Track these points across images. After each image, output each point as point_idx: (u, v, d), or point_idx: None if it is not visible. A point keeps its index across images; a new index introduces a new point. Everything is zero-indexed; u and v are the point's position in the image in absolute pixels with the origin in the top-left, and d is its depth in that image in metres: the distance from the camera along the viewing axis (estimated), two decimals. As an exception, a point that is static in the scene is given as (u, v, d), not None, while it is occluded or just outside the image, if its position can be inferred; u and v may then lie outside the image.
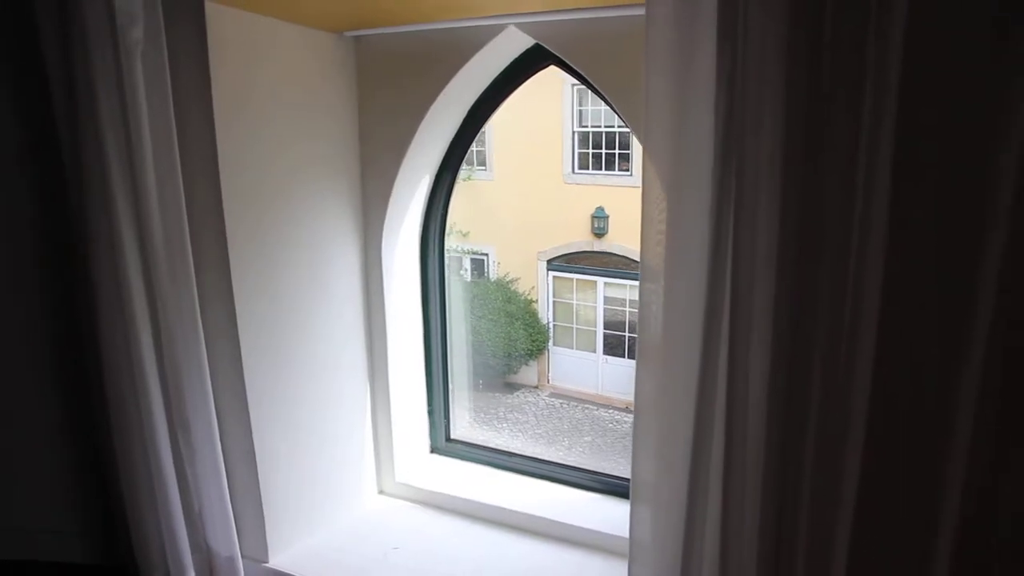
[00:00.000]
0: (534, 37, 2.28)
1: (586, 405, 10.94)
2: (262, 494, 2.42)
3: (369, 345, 2.79)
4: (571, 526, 2.61)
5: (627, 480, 2.76)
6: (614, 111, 2.30)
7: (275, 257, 2.37)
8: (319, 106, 2.46)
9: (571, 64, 2.25)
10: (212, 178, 2.15)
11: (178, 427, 2.24)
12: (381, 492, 2.96)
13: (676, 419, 1.41)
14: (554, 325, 11.55)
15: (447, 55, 2.40)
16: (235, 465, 2.38)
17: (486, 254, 11.65)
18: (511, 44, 2.42)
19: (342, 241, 2.61)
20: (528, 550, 2.57)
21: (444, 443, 3.07)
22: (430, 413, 3.05)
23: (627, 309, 11.04)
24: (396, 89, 2.52)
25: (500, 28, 2.30)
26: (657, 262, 1.39)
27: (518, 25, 2.26)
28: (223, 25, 2.07)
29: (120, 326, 2.10)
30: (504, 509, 2.72)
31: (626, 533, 2.48)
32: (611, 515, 2.64)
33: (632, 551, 1.61)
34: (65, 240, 2.21)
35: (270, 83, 2.27)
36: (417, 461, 3.01)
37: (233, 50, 2.12)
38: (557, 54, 2.25)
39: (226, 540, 2.34)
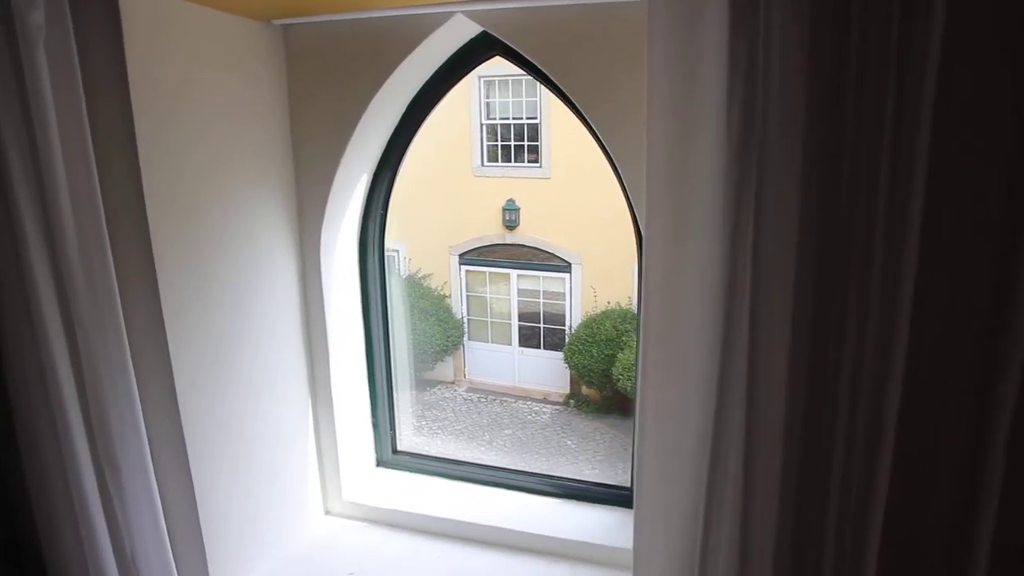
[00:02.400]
0: (484, 26, 2.16)
1: (504, 398, 10.92)
2: (202, 527, 2.20)
3: (309, 356, 2.60)
4: (533, 535, 2.52)
5: (583, 483, 2.74)
6: (570, 102, 2.22)
7: (206, 266, 2.15)
8: (245, 99, 2.24)
9: (525, 55, 2.15)
10: (133, 183, 1.92)
11: (104, 463, 1.98)
12: (328, 513, 2.77)
13: (687, 424, 1.35)
14: (468, 319, 11.45)
15: (389, 45, 2.24)
16: (170, 499, 2.14)
17: (397, 251, 11.39)
18: (456, 33, 2.28)
19: (277, 246, 2.41)
20: (493, 563, 2.46)
21: (391, 455, 2.91)
22: (375, 425, 2.88)
23: (541, 301, 11.09)
24: (332, 82, 2.33)
25: (447, 16, 2.16)
26: (662, 264, 1.31)
27: (466, 13, 2.14)
28: (136, 10, 1.84)
29: (33, 354, 1.83)
30: (462, 522, 2.60)
31: (590, 538, 2.46)
32: (573, 520, 2.58)
33: (637, 569, 1.53)
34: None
35: (189, 74, 2.04)
36: (363, 477, 2.84)
37: (148, 38, 1.90)
38: (511, 45, 2.14)
39: (164, 584, 2.10)
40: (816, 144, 1.13)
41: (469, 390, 11.17)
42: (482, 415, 10.56)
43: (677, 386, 1.35)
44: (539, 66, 2.15)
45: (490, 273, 11.23)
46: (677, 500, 1.41)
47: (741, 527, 1.32)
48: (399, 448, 2.94)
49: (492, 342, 11.34)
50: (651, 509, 1.46)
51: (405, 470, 2.90)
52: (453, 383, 11.27)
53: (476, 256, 11.20)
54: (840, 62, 1.10)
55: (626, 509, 2.60)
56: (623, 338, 9.68)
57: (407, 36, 2.22)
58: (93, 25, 1.83)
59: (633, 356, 9.15)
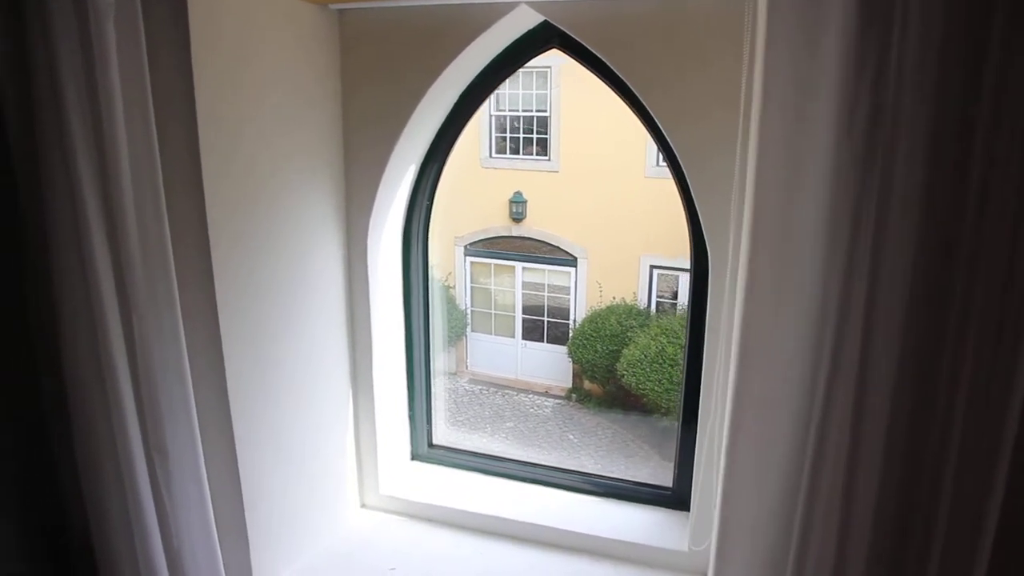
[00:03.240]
0: (548, 16, 2.12)
1: (506, 390, 10.90)
2: (247, 521, 2.17)
3: (352, 346, 2.56)
4: (574, 533, 2.50)
5: (623, 481, 2.72)
6: (628, 97, 2.19)
7: (257, 254, 2.11)
8: (299, 84, 2.19)
9: (588, 46, 2.10)
10: (192, 165, 1.88)
11: (153, 451, 1.95)
12: (363, 506, 2.74)
13: (786, 436, 1.32)
14: (472, 311, 11.41)
15: (449, 35, 2.20)
16: (216, 488, 2.10)
17: (402, 240, 11.32)
18: (516, 24, 2.24)
19: (324, 235, 2.37)
20: (535, 561, 2.44)
21: (426, 449, 2.88)
22: (411, 418, 2.85)
23: (546, 294, 11.06)
24: (388, 70, 2.29)
25: (510, 6, 2.12)
26: (770, 266, 1.29)
27: (530, 3, 2.09)
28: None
29: (89, 336, 1.78)
30: (501, 518, 2.57)
31: (633, 538, 2.45)
32: (614, 519, 2.56)
33: (718, 571, 1.50)
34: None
35: (247, 57, 1.99)
36: (398, 470, 2.81)
37: (210, 19, 1.85)
38: (574, 36, 2.10)
39: (211, 577, 2.07)
40: (945, 155, 1.10)
41: (471, 381, 11.13)
42: (484, 407, 10.54)
43: (778, 397, 1.32)
44: (602, 58, 2.11)
45: (495, 265, 11.19)
46: (769, 509, 1.39)
47: (837, 541, 1.29)
48: (435, 442, 2.92)
49: (495, 334, 11.30)
50: (739, 517, 1.44)
51: (440, 464, 2.87)
52: (455, 374, 11.24)
53: (481, 248, 11.15)
54: (977, 70, 1.07)
55: (667, 509, 2.59)
56: (628, 334, 9.66)
57: (468, 26, 2.17)
58: (160, 5, 1.79)
59: (638, 352, 9.13)
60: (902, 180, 1.13)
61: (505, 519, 2.58)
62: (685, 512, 2.54)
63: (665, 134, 2.10)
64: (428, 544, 2.54)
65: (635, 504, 2.64)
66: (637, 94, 2.11)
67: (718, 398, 2.14)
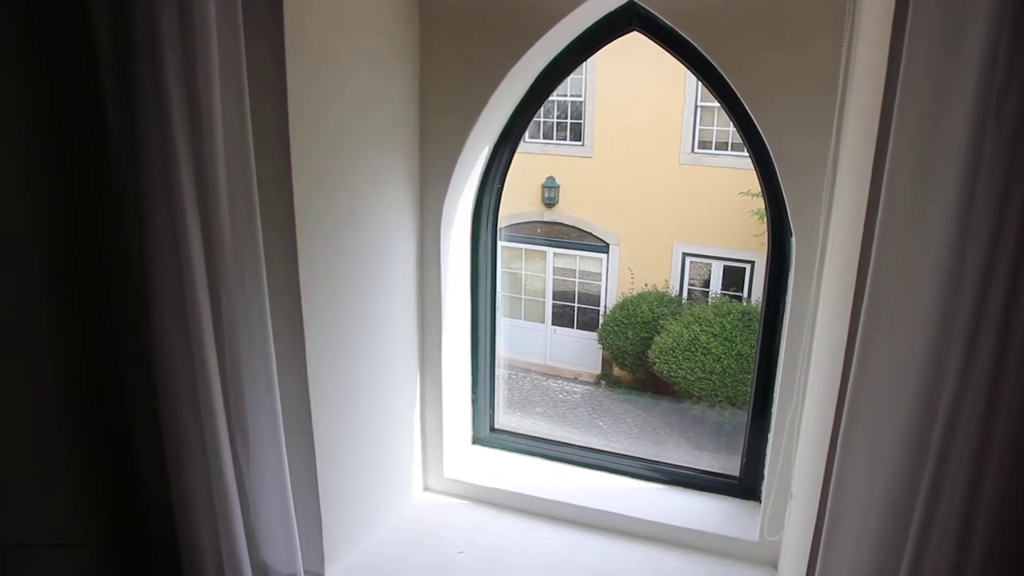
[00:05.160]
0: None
1: (535, 376, 10.89)
2: (321, 502, 2.18)
3: (421, 331, 2.56)
4: (642, 520, 2.49)
5: (690, 469, 2.70)
6: (708, 78, 2.15)
7: (339, 239, 2.11)
8: (380, 64, 2.17)
9: (673, 25, 2.06)
10: (282, 151, 1.88)
11: (236, 433, 1.96)
12: (426, 489, 2.75)
13: (904, 430, 1.29)
14: (502, 296, 11.39)
15: (532, 16, 2.16)
16: (292, 471, 2.12)
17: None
18: (601, 5, 2.20)
19: (399, 218, 2.36)
20: (605, 548, 2.43)
21: (488, 433, 2.88)
22: (474, 401, 2.85)
23: (576, 280, 11.01)
24: (467, 53, 2.26)
25: (604, -15, 2.08)
26: (899, 253, 1.25)
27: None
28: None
29: (179, 319, 1.79)
30: (566, 504, 2.57)
31: (702, 527, 2.43)
32: (682, 507, 2.54)
33: (823, 568, 1.48)
34: (101, 211, 1.87)
35: (333, 40, 1.98)
36: (460, 454, 2.81)
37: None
38: (656, 14, 2.06)
39: (288, 558, 2.07)
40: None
41: (499, 366, 11.13)
42: (513, 392, 10.53)
43: (900, 389, 1.29)
44: (686, 36, 2.07)
45: (526, 250, 11.15)
46: (880, 508, 1.37)
47: (958, 541, 1.26)
48: (496, 426, 2.91)
49: (525, 319, 11.29)
50: (851, 510, 1.41)
51: (502, 448, 2.87)
52: (484, 358, 11.24)
53: (513, 232, 11.11)
54: None
55: (735, 498, 2.57)
56: (659, 321, 9.60)
57: (553, 7, 2.14)
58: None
59: (671, 340, 9.07)
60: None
61: (570, 505, 2.57)
62: (753, 501, 2.53)
63: (749, 110, 2.05)
64: (494, 529, 2.54)
65: (701, 492, 2.62)
66: (721, 71, 2.06)
67: (799, 391, 2.11)
